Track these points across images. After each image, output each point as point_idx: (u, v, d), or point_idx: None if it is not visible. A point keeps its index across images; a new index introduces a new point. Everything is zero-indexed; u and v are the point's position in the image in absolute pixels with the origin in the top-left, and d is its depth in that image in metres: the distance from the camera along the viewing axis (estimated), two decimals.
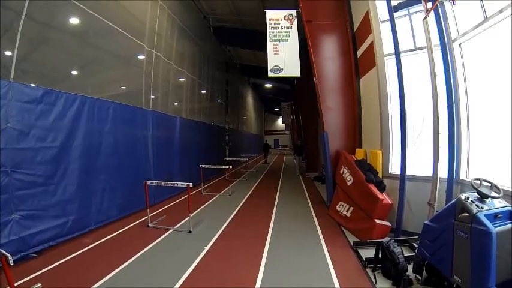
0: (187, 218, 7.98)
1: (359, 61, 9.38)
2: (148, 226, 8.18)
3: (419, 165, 7.06)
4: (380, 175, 7.69)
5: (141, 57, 10.63)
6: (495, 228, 3.46)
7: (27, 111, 6.11)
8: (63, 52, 7.39)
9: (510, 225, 3.62)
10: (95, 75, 8.68)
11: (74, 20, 7.61)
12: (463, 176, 6.13)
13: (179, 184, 7.96)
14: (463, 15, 6.00)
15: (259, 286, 4.97)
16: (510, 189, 4.60)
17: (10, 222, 5.67)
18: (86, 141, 7.63)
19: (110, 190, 8.49)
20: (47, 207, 6.50)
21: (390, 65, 7.75)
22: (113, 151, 8.67)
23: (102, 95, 8.38)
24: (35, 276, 5.25)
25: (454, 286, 3.84)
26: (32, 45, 6.44)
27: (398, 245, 5.14)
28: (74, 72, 7.98)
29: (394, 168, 7.74)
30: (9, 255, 3.30)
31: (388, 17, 7.30)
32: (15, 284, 3.69)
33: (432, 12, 6.03)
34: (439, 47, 6.20)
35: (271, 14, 10.54)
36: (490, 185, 4.09)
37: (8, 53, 5.85)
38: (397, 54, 6.99)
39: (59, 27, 7.18)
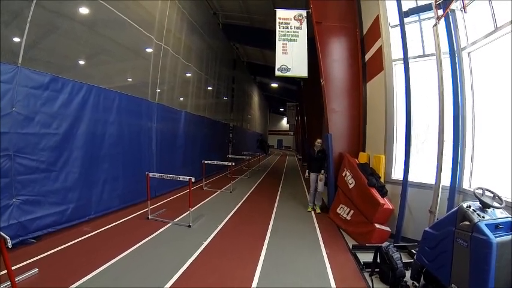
0: (188, 212, 7.98)
1: (367, 65, 9.35)
2: (148, 218, 8.20)
3: (421, 172, 7.05)
4: (382, 180, 7.67)
5: (149, 49, 10.63)
6: (495, 239, 3.44)
7: (34, 96, 6.13)
8: (71, 41, 7.37)
9: (510, 236, 3.60)
10: (102, 66, 8.70)
11: (84, 10, 7.63)
12: (465, 186, 6.09)
13: (181, 178, 7.95)
14: (473, 24, 5.98)
15: (256, 284, 4.97)
16: None
17: (10, 207, 5.70)
18: (90, 130, 7.66)
19: (112, 180, 8.53)
20: (47, 194, 6.53)
21: (398, 70, 7.72)
22: (117, 141, 8.71)
23: (109, 85, 8.39)
24: (32, 261, 5.27)
25: None
26: (40, 33, 6.42)
27: (397, 251, 5.13)
28: (81, 62, 7.98)
29: (397, 173, 7.71)
30: (8, 237, 3.31)
31: (398, 22, 7.28)
32: (13, 268, 3.70)
33: (442, 20, 6.01)
34: (448, 55, 6.18)
35: (281, 13, 10.56)
36: (492, 195, 4.06)
37: (16, 39, 5.86)
38: (406, 60, 6.95)
39: (68, 16, 7.18)
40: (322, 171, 9.65)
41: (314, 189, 9.95)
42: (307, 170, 10.27)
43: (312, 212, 9.58)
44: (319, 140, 10.06)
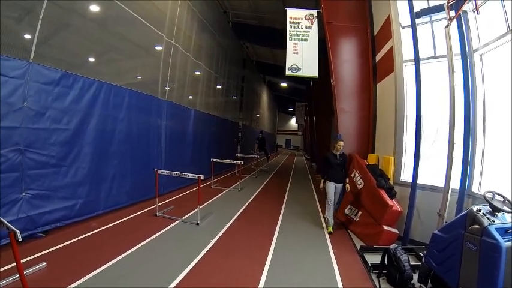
0: (196, 210, 8.02)
1: (377, 65, 9.30)
2: (156, 215, 8.24)
3: (429, 174, 7.00)
4: (391, 182, 7.63)
5: (159, 47, 10.68)
6: (505, 243, 3.41)
7: (45, 92, 6.17)
8: (82, 38, 7.42)
9: None
10: (113, 63, 8.74)
11: (95, 7, 7.70)
12: (475, 189, 6.03)
13: (190, 175, 7.97)
14: (485, 26, 5.91)
15: (263, 283, 4.97)
16: None
17: (20, 200, 5.74)
18: (100, 127, 7.70)
19: (120, 176, 8.57)
20: (57, 188, 6.57)
21: (409, 71, 7.68)
22: (126, 138, 8.75)
23: (119, 83, 8.44)
24: (40, 255, 5.32)
25: None
26: (52, 30, 6.47)
27: (405, 253, 5.10)
28: (92, 59, 8.04)
29: (406, 175, 7.66)
30: (18, 231, 3.34)
31: (409, 23, 7.23)
32: (21, 261, 3.73)
33: (455, 21, 5.96)
34: (460, 57, 6.12)
35: (292, 13, 10.53)
36: (502, 199, 4.03)
37: (28, 36, 5.91)
38: (417, 61, 6.90)
39: (80, 13, 7.23)
40: (347, 179, 8.10)
41: (334, 203, 7.95)
42: (322, 180, 8.10)
43: (322, 219, 9.05)
44: (341, 143, 7.97)
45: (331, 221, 7.89)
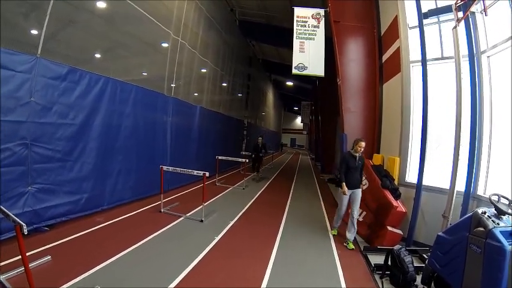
0: (200, 207, 8.02)
1: (384, 66, 9.27)
2: (161, 211, 8.27)
3: (434, 176, 6.98)
4: (396, 182, 7.60)
5: (166, 44, 10.68)
6: (509, 246, 3.40)
7: (52, 87, 6.20)
8: (89, 34, 7.42)
9: None
10: (119, 59, 8.75)
11: (102, 3, 7.72)
12: (480, 192, 6.00)
13: (195, 172, 8.02)
14: (493, 27, 5.87)
15: (266, 282, 4.96)
16: None
17: (26, 194, 5.78)
18: (106, 122, 7.73)
19: (126, 172, 8.60)
20: (62, 183, 6.61)
21: (416, 72, 7.64)
22: (132, 134, 8.77)
23: (126, 79, 8.45)
24: (45, 249, 5.35)
25: None
26: (60, 26, 6.47)
27: (408, 254, 5.09)
28: (99, 55, 8.04)
29: (411, 177, 7.64)
30: (24, 224, 3.36)
31: (417, 24, 7.19)
32: (26, 254, 3.75)
33: (462, 22, 5.91)
34: (467, 58, 6.08)
35: (299, 12, 10.51)
36: (508, 202, 4.02)
37: (36, 31, 5.93)
38: (424, 62, 6.86)
39: (87, 9, 7.27)
40: (364, 180, 7.60)
41: (345, 210, 7.28)
42: (342, 183, 6.94)
43: (326, 219, 9.20)
44: (362, 144, 6.86)
45: (336, 225, 7.63)
